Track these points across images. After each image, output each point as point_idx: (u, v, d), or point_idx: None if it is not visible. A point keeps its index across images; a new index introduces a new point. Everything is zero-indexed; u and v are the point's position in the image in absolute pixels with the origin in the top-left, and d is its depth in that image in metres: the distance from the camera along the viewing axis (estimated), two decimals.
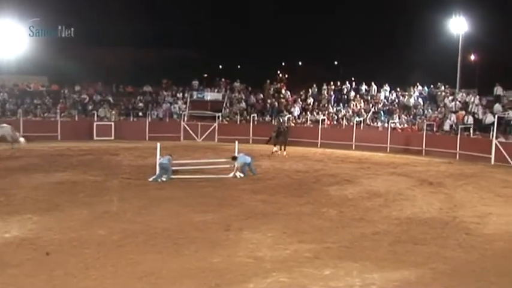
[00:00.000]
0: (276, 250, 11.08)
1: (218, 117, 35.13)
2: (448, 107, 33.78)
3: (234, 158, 20.51)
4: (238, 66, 64.22)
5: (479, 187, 19.45)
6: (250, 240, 11.70)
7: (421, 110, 34.67)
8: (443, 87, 36.30)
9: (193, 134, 34.29)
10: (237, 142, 21.01)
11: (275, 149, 27.29)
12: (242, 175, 20.21)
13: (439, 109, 34.00)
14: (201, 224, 13.00)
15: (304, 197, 16.78)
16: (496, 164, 25.97)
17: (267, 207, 15.04)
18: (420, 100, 35.75)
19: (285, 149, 27.25)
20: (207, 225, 12.96)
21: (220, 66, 63.03)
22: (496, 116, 28.36)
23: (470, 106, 32.63)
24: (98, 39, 48.33)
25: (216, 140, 33.95)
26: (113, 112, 35.35)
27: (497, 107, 30.74)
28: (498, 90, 32.78)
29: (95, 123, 33.36)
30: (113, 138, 32.92)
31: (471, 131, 29.30)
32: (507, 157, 25.78)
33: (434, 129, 31.51)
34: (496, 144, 26.46)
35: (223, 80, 41.13)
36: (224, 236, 12.07)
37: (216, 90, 39.85)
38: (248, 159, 20.44)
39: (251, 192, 17.33)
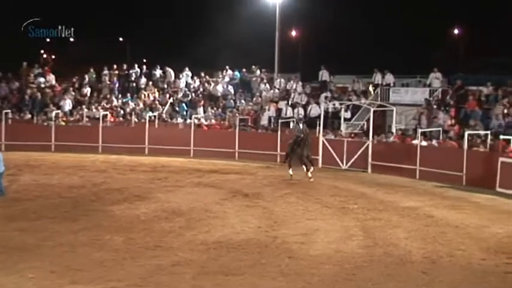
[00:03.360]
0: None
1: None
2: (266, 96, 35.40)
3: None
4: None
5: (305, 197, 20.67)
6: (5, 286, 11.27)
7: (232, 100, 35.87)
8: (258, 72, 37.92)
9: None
10: None
11: (291, 172, 24.52)
12: None
13: (255, 99, 35.49)
14: None
15: (80, 221, 16.48)
16: (324, 167, 27.75)
17: (28, 238, 14.52)
18: (231, 88, 36.99)
19: (309, 167, 24.22)
20: None
21: None
22: (323, 107, 30.39)
23: (292, 95, 34.54)
24: None
25: None
26: None
27: (324, 95, 32.91)
28: (324, 75, 35.08)
29: None
30: None
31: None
32: (336, 158, 27.71)
33: (250, 124, 32.78)
34: (323, 142, 28.31)
35: None
36: None
37: None
38: (2, 167, 19.63)
39: (4, 218, 16.60)
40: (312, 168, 24.22)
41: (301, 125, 25.37)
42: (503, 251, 14.36)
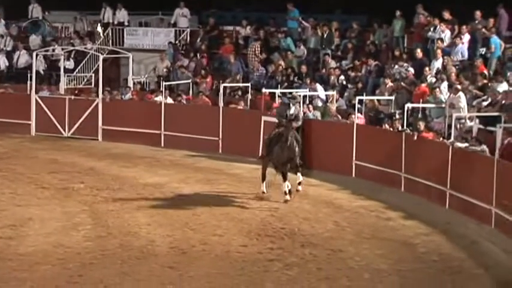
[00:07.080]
0: None
1: None
2: None
3: None
4: None
5: (13, 176, 20.53)
6: None
7: None
8: None
9: None
10: None
11: (263, 188, 18.97)
12: None
13: None
14: None
15: None
16: (40, 134, 27.33)
17: None
18: None
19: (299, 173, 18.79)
20: None
21: None
22: (35, 55, 29.81)
23: None
24: None
25: None
26: None
27: (35, 40, 32.37)
28: (35, 10, 34.37)
29: None
30: None
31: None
32: (55, 123, 27.28)
33: None
34: (37, 101, 27.76)
35: None
36: None
37: None
38: None
39: None
40: (301, 178, 18.83)
41: (292, 107, 19.03)
42: (267, 234, 15.21)
